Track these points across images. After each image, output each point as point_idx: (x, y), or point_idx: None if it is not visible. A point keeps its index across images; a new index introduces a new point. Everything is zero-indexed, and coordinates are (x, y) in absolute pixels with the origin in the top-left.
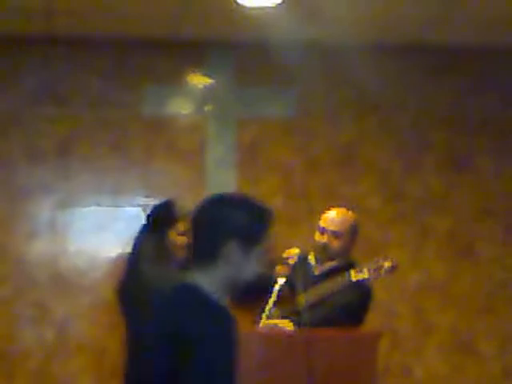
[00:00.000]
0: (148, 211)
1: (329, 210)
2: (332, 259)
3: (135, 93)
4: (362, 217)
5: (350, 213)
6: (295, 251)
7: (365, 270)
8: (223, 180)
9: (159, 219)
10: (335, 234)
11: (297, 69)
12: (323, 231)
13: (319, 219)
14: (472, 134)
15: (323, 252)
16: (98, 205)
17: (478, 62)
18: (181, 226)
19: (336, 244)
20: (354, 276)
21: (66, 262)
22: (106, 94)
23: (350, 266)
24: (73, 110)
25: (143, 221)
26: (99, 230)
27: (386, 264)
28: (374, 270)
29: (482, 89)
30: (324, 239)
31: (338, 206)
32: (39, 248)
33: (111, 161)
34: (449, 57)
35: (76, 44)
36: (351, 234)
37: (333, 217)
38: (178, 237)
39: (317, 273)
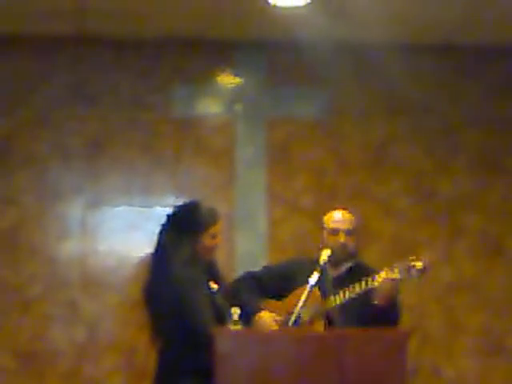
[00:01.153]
0: (172, 211)
1: (332, 212)
2: (346, 260)
3: (165, 93)
4: (392, 217)
5: (349, 212)
6: (328, 252)
7: (396, 270)
8: (253, 180)
9: (193, 224)
10: (350, 233)
11: (327, 68)
12: (337, 232)
13: (324, 222)
14: (503, 134)
15: (343, 252)
16: (128, 205)
17: (509, 62)
18: (215, 230)
19: (352, 242)
20: (384, 276)
21: (96, 262)
22: (135, 94)
23: (363, 266)
24: (103, 111)
25: (167, 219)
26: (129, 230)
27: (418, 265)
28: (406, 270)
29: None
30: (341, 239)
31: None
32: (70, 248)
33: (141, 161)
34: (479, 57)
35: (106, 44)
36: (357, 231)
37: (342, 217)
38: (211, 240)
39: (334, 275)
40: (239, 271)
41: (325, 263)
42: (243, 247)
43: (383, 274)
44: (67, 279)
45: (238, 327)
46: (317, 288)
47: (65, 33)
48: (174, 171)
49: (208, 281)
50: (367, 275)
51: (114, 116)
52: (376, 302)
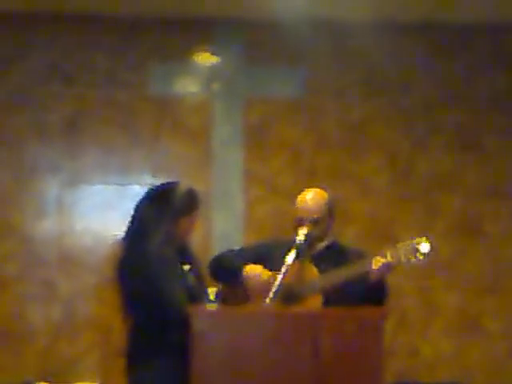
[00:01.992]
0: (155, 188)
1: (302, 195)
2: (317, 241)
3: (142, 71)
4: (370, 196)
5: (324, 193)
6: (304, 230)
7: (400, 253)
8: (230, 159)
9: (174, 204)
10: (315, 221)
11: (305, 47)
12: (301, 220)
13: (296, 206)
14: (481, 113)
15: (310, 240)
16: (105, 183)
17: (488, 40)
18: (194, 214)
19: (317, 230)
20: (380, 260)
21: (73, 241)
22: (113, 72)
23: (339, 245)
24: (80, 89)
25: (146, 195)
26: (106, 209)
27: (423, 246)
28: (410, 253)
29: (492, 67)
30: (306, 229)
31: (314, 188)
32: (46, 226)
33: (118, 139)
34: (458, 36)
35: (83, 22)
36: (329, 214)
37: (308, 205)
38: (189, 224)
39: (311, 254)
40: (216, 251)
41: (301, 241)
42: (220, 227)
43: (383, 259)
44: (44, 258)
45: (215, 306)
46: (312, 264)
47: (42, 10)
48: (152, 150)
49: (181, 263)
50: (343, 254)
51: (91, 94)
52: (370, 280)
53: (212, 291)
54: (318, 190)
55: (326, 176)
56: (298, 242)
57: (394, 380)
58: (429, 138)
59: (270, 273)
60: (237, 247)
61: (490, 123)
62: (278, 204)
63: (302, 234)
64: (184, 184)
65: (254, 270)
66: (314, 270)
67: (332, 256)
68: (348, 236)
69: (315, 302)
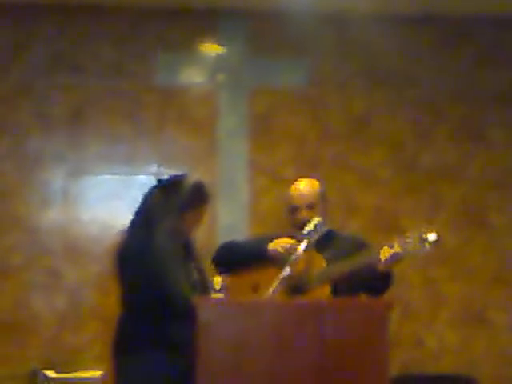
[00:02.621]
0: (167, 179)
1: (294, 184)
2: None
3: (148, 61)
4: (374, 187)
5: (315, 182)
6: (316, 220)
7: (408, 243)
8: (235, 150)
9: (185, 197)
10: (310, 207)
11: (310, 39)
12: (297, 208)
13: (289, 196)
14: (485, 105)
15: (303, 227)
16: (111, 173)
17: (492, 33)
18: (202, 209)
19: (314, 216)
20: (388, 250)
21: (78, 231)
22: (118, 62)
23: (334, 233)
24: (85, 79)
25: (157, 185)
26: (111, 199)
27: (430, 236)
28: (418, 243)
29: (495, 60)
30: (301, 215)
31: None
32: (51, 216)
33: (123, 129)
34: (462, 28)
35: (88, 12)
36: (322, 201)
37: (302, 191)
38: (196, 219)
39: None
40: (221, 241)
41: (311, 231)
42: (225, 218)
43: (391, 249)
44: (49, 248)
45: (221, 296)
46: (320, 254)
47: (46, 1)
48: (157, 140)
49: (184, 259)
50: (340, 241)
51: (96, 84)
52: (377, 270)
53: (217, 281)
54: (309, 178)
55: (330, 167)
56: (307, 231)
57: (399, 371)
58: (433, 130)
59: (294, 241)
60: (239, 238)
61: (495, 114)
62: (282, 195)
63: (311, 224)
64: (193, 177)
65: (280, 242)
66: (322, 259)
67: (329, 244)
68: (352, 227)
69: (323, 292)
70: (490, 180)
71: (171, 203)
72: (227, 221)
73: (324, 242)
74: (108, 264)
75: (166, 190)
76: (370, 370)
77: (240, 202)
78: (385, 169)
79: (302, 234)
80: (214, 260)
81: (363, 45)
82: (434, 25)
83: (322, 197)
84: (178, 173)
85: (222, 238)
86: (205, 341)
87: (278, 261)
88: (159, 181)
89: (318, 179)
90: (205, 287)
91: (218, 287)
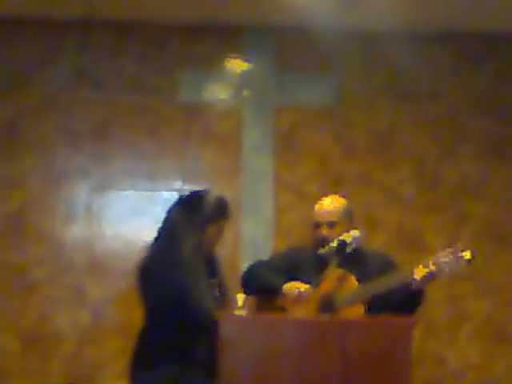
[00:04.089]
0: (189, 194)
1: (320, 200)
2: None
3: (172, 77)
4: (397, 204)
5: (341, 199)
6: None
7: (443, 262)
8: (259, 166)
9: (206, 211)
10: (332, 225)
11: (335, 55)
12: (319, 224)
13: (314, 211)
14: (509, 121)
15: (324, 245)
16: (134, 189)
17: None
18: (223, 223)
19: (334, 234)
20: (422, 270)
21: (102, 246)
22: (142, 78)
23: (361, 251)
24: (110, 94)
25: (178, 201)
26: (135, 214)
27: (466, 255)
28: (453, 262)
29: None
30: (322, 232)
31: (330, 194)
32: (75, 231)
33: (147, 145)
34: (486, 44)
35: (113, 28)
36: (346, 220)
37: (326, 208)
38: (217, 233)
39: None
40: (245, 257)
41: (332, 250)
42: (249, 233)
43: (425, 269)
44: (73, 263)
45: (243, 312)
46: (351, 273)
47: (71, 16)
48: (181, 156)
49: (208, 273)
50: (367, 259)
51: (120, 100)
52: (411, 287)
53: (240, 297)
54: (335, 195)
55: (353, 183)
56: (326, 251)
57: None
58: (456, 146)
59: (307, 286)
60: (264, 257)
61: None
62: (306, 211)
63: (334, 243)
64: (214, 192)
65: (294, 286)
66: (353, 279)
67: (357, 262)
68: (376, 244)
69: (357, 312)
70: None
71: (193, 219)
72: (251, 236)
73: (351, 260)
74: (131, 280)
75: (187, 205)
76: None
77: (264, 217)
78: (408, 185)
79: (322, 253)
80: (241, 281)
81: (388, 61)
82: (457, 41)
83: (347, 215)
84: (200, 188)
85: (246, 253)
86: (227, 357)
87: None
88: (181, 197)
89: (344, 197)
90: (225, 304)
91: (241, 304)
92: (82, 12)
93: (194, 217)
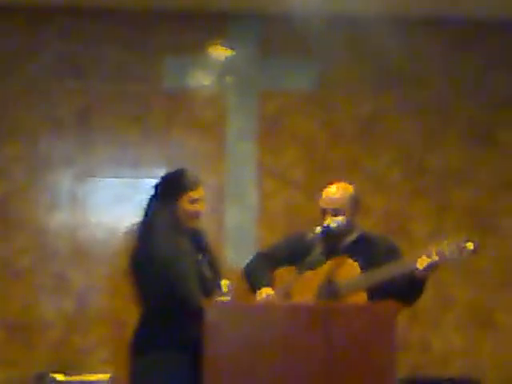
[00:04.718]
0: (160, 178)
1: (327, 187)
2: (343, 235)
3: (156, 64)
4: (382, 190)
5: (348, 186)
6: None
7: (446, 251)
8: (244, 152)
9: (170, 188)
10: (336, 212)
11: (320, 41)
12: (324, 212)
13: (320, 198)
14: (495, 108)
15: (330, 232)
16: (118, 176)
17: (503, 35)
18: (193, 194)
19: (341, 220)
20: (426, 259)
21: (86, 234)
22: (126, 65)
23: (368, 237)
24: (93, 82)
25: (154, 189)
26: (119, 202)
27: (469, 245)
28: (457, 251)
29: (505, 63)
30: (327, 220)
31: (336, 181)
32: (59, 219)
33: (131, 132)
34: (472, 30)
35: (96, 16)
36: (352, 207)
37: (331, 195)
38: (190, 205)
39: (341, 248)
40: (229, 244)
41: (317, 235)
42: (233, 220)
43: (428, 258)
44: (57, 250)
45: (228, 299)
46: (355, 261)
47: (55, 4)
48: (165, 143)
49: (195, 251)
50: (372, 246)
51: (104, 87)
52: (414, 276)
53: (225, 283)
54: (342, 183)
55: (339, 169)
56: (313, 236)
57: (407, 374)
58: (442, 133)
59: (272, 292)
60: (248, 243)
61: (504, 117)
62: (291, 197)
63: (319, 227)
64: (181, 168)
65: (265, 293)
66: (356, 265)
67: (361, 249)
68: None
69: (360, 299)
70: (499, 183)
71: (163, 198)
72: (235, 223)
73: (357, 246)
74: (115, 267)
75: (158, 188)
76: (377, 373)
77: (248, 204)
78: (393, 171)
79: (308, 239)
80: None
81: (373, 47)
82: (443, 28)
83: (353, 202)
84: (172, 169)
85: (230, 240)
86: (212, 343)
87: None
88: (157, 182)
89: (351, 184)
90: (216, 283)
91: (225, 290)
92: None
93: (163, 197)
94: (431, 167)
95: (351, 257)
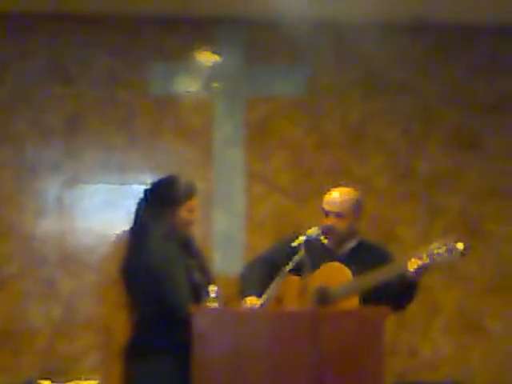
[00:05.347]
0: (150, 186)
1: (330, 190)
2: (343, 240)
3: (143, 70)
4: (370, 195)
5: (351, 191)
6: (314, 231)
7: (436, 254)
8: (231, 158)
9: (168, 196)
10: (339, 216)
11: (307, 47)
12: (327, 214)
13: (323, 200)
14: (481, 113)
15: (330, 234)
16: (106, 182)
17: (488, 41)
18: (192, 203)
19: (341, 225)
20: (416, 262)
21: (74, 240)
22: (113, 71)
23: (367, 244)
24: (80, 88)
25: (143, 195)
26: (106, 208)
27: (459, 245)
28: (446, 253)
29: (490, 68)
30: (329, 221)
31: (341, 185)
32: (47, 226)
33: (118, 139)
34: (456, 36)
35: (83, 21)
36: (355, 212)
37: (335, 198)
38: (189, 213)
39: (340, 254)
40: (217, 250)
41: (300, 244)
42: (221, 225)
43: (419, 261)
44: (44, 257)
45: (215, 304)
46: (351, 268)
47: (41, 10)
48: (152, 149)
49: (185, 256)
50: (370, 254)
51: (91, 93)
52: (406, 281)
53: (212, 289)
54: (347, 188)
55: (326, 175)
56: (296, 244)
57: (394, 380)
58: (429, 138)
59: (257, 303)
60: (235, 249)
61: (489, 123)
62: (278, 203)
63: (302, 237)
64: (177, 175)
65: (249, 302)
66: (348, 271)
67: (359, 256)
68: None
69: (352, 304)
70: (485, 188)
71: (160, 205)
72: (223, 229)
73: (355, 253)
74: (103, 273)
75: (152, 194)
76: (365, 379)
77: (236, 209)
78: (381, 177)
79: (291, 247)
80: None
81: (359, 53)
82: (429, 33)
83: (356, 208)
84: (164, 175)
85: (218, 245)
86: (200, 349)
87: None
88: (145, 189)
89: (356, 189)
90: (207, 283)
91: (212, 295)
92: (52, 5)
93: (160, 204)
94: (419, 172)
95: (348, 263)
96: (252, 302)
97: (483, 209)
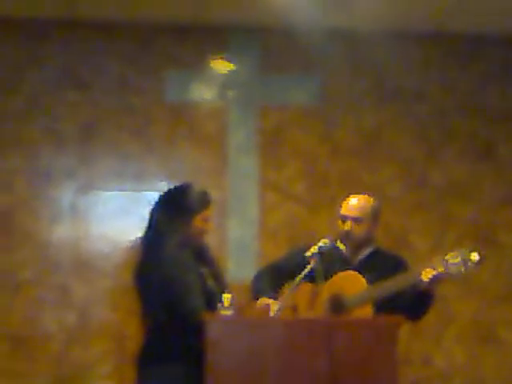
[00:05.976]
0: (164, 193)
1: (348, 197)
2: (360, 246)
3: (158, 78)
4: (383, 204)
5: (370, 198)
6: (325, 241)
7: (451, 264)
8: (245, 166)
9: (184, 205)
10: (357, 221)
11: (320, 55)
12: (345, 219)
13: (340, 207)
14: (495, 122)
15: (347, 240)
16: (120, 189)
17: (501, 50)
18: (208, 213)
19: (358, 230)
20: (430, 272)
21: (88, 246)
22: (128, 79)
23: (382, 252)
24: (95, 95)
25: (157, 202)
26: (121, 215)
27: (473, 256)
28: (461, 263)
29: (505, 76)
30: (346, 227)
31: (359, 192)
32: (61, 232)
33: (133, 146)
34: (471, 44)
35: (98, 29)
36: (372, 219)
37: (353, 204)
38: (204, 223)
39: (356, 261)
40: (231, 257)
41: (315, 253)
42: (235, 233)
43: (433, 271)
44: (59, 263)
45: (229, 312)
46: (360, 275)
47: (56, 16)
48: (166, 156)
49: (199, 264)
50: (385, 261)
51: (106, 100)
52: (420, 291)
53: (227, 297)
54: (365, 195)
55: (339, 183)
56: (311, 253)
57: None
58: (442, 147)
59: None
60: (249, 257)
61: (504, 132)
62: (292, 211)
63: (317, 246)
64: (192, 184)
65: (264, 302)
66: (363, 280)
67: (375, 264)
68: None
69: (366, 313)
70: (500, 198)
71: (175, 213)
72: (237, 236)
73: (370, 262)
74: (117, 280)
75: (167, 202)
76: None
77: (249, 217)
78: (394, 185)
79: (306, 256)
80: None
81: (373, 61)
82: (443, 42)
83: (373, 215)
84: (177, 184)
85: (232, 253)
86: (213, 357)
87: None
88: (160, 195)
89: (374, 198)
90: (222, 291)
91: (227, 304)
92: (67, 12)
93: (175, 212)
94: (432, 181)
95: (363, 270)
96: (264, 301)
97: (496, 218)
